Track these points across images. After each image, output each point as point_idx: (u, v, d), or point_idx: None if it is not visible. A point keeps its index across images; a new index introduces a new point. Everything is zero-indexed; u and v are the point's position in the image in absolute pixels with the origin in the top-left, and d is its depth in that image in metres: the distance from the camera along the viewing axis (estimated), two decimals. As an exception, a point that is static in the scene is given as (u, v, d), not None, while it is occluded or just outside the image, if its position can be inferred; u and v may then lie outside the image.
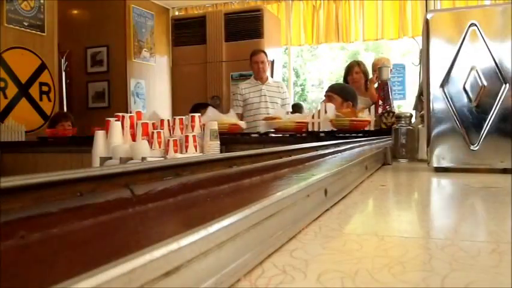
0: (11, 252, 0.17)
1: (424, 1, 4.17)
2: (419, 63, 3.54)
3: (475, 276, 0.27)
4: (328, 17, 4.61)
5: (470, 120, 0.91)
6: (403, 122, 1.31)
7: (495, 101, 0.89)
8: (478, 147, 0.91)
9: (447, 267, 0.29)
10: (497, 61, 0.89)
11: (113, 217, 0.24)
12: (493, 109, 0.90)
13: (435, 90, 0.93)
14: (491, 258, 0.31)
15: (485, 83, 0.90)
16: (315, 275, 0.27)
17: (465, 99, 0.92)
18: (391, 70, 3.04)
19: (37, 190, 0.21)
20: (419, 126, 1.27)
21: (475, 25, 0.90)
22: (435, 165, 0.95)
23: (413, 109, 1.93)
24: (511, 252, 0.32)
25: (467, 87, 0.91)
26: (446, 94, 0.93)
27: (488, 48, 0.90)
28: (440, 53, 0.93)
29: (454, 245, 0.35)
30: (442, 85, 0.93)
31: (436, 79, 0.93)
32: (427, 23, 0.94)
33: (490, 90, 0.90)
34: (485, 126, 0.90)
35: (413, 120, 1.49)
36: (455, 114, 0.92)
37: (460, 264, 0.29)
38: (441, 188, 0.81)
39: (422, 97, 1.71)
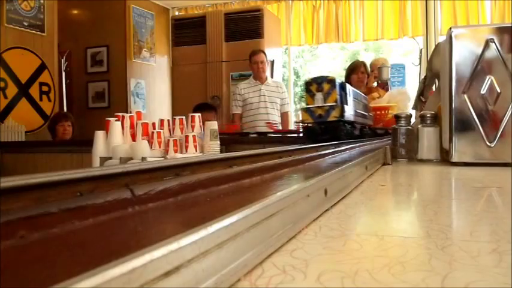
0: (11, 252, 0.17)
1: (424, 1, 4.18)
2: (419, 63, 3.54)
3: (475, 276, 0.27)
4: (328, 17, 4.61)
5: (488, 122, 1.08)
6: (402, 122, 1.31)
7: (509, 105, 1.07)
8: (494, 144, 1.07)
9: (447, 267, 0.29)
10: (511, 71, 1.06)
11: (113, 217, 0.24)
12: (508, 112, 1.07)
13: (458, 96, 1.11)
14: (491, 258, 0.31)
15: (500, 90, 1.08)
16: (315, 275, 0.27)
17: (484, 104, 1.09)
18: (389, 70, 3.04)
19: (37, 190, 0.21)
20: (419, 126, 1.27)
21: (492, 40, 1.07)
22: (457, 160, 1.10)
23: (413, 109, 1.93)
24: (511, 252, 0.32)
25: (486, 94, 1.09)
26: (468, 99, 1.10)
27: (503, 61, 1.07)
28: (462, 64, 1.10)
29: (454, 245, 0.35)
30: (464, 92, 1.10)
31: (459, 87, 1.11)
32: (450, 38, 1.11)
33: (505, 96, 1.07)
34: (500, 127, 1.07)
35: (412, 120, 1.49)
36: (475, 116, 1.09)
37: (460, 264, 0.29)
38: (441, 188, 0.81)
39: (422, 97, 1.71)
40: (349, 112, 1.18)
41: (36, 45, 3.57)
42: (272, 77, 3.91)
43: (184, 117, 1.89)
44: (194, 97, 3.90)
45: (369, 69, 3.15)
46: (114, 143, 1.69)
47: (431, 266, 0.29)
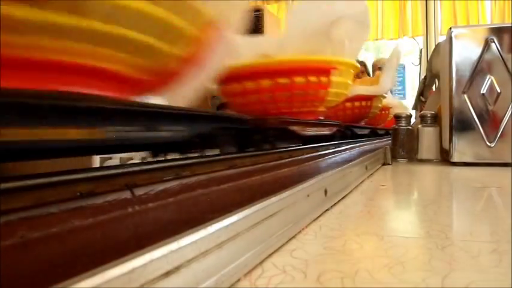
0: (11, 252, 0.17)
1: (424, 1, 4.18)
2: (419, 63, 3.54)
3: (475, 276, 0.27)
4: (328, 17, 4.60)
5: (488, 122, 1.09)
6: (402, 122, 1.31)
7: (509, 105, 1.08)
8: (494, 144, 1.08)
9: (447, 267, 0.29)
10: (511, 71, 1.07)
11: (113, 217, 0.24)
12: (508, 112, 1.08)
13: (458, 96, 1.11)
14: (491, 258, 0.31)
15: (500, 90, 1.08)
16: (315, 275, 0.27)
17: (484, 104, 1.09)
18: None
19: (37, 190, 0.21)
20: (419, 126, 1.27)
21: (492, 40, 1.08)
22: (457, 160, 1.11)
23: (413, 109, 1.93)
24: (511, 252, 0.32)
25: (486, 94, 1.09)
26: (468, 99, 1.10)
27: (503, 61, 1.07)
28: (462, 64, 1.11)
29: (454, 245, 0.35)
30: (464, 92, 1.10)
31: (459, 87, 1.11)
32: (450, 38, 1.11)
33: (505, 96, 1.08)
34: (500, 127, 1.08)
35: (412, 120, 1.49)
36: (475, 116, 1.09)
37: (460, 264, 0.29)
38: (441, 188, 0.81)
39: (422, 97, 1.71)
40: None
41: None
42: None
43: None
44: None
45: (371, 69, 3.15)
46: (114, 143, 1.69)
47: (431, 266, 0.29)
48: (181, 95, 0.40)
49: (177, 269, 0.20)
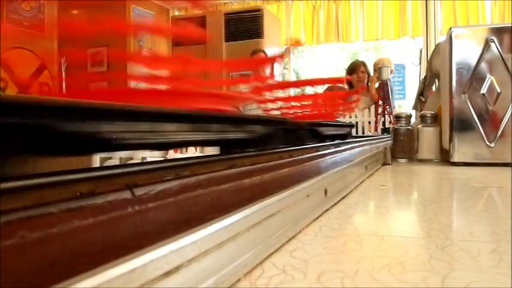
0: (11, 252, 0.17)
1: (424, 1, 4.17)
2: (419, 63, 3.54)
3: (475, 276, 0.27)
4: (328, 17, 4.60)
5: (488, 122, 1.09)
6: (402, 122, 1.31)
7: (509, 105, 1.08)
8: (494, 144, 1.08)
9: (447, 267, 0.29)
10: (511, 71, 1.08)
11: (113, 217, 0.24)
12: (508, 112, 1.08)
13: (458, 96, 1.12)
14: (491, 258, 0.31)
15: (500, 90, 1.09)
16: (315, 275, 0.27)
17: (484, 104, 1.10)
18: (391, 71, 3.04)
19: (37, 190, 0.21)
20: (419, 126, 1.27)
21: (492, 40, 1.08)
22: (457, 160, 1.11)
23: (413, 108, 1.93)
24: (511, 252, 0.32)
25: (486, 94, 1.10)
26: (468, 99, 1.11)
27: (503, 61, 1.08)
28: (462, 64, 1.11)
29: (454, 245, 0.35)
30: (464, 92, 1.11)
31: (459, 87, 1.11)
32: (450, 38, 1.12)
33: (505, 96, 1.09)
34: (500, 127, 1.08)
35: (412, 120, 1.49)
36: (475, 116, 1.10)
37: (460, 264, 0.29)
38: (441, 188, 0.81)
39: (422, 97, 1.71)
40: None
41: (36, 45, 3.57)
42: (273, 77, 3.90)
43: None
44: (194, 97, 3.89)
45: (371, 69, 3.15)
46: (114, 143, 1.69)
47: (431, 266, 0.29)
48: None
49: (177, 269, 0.20)
